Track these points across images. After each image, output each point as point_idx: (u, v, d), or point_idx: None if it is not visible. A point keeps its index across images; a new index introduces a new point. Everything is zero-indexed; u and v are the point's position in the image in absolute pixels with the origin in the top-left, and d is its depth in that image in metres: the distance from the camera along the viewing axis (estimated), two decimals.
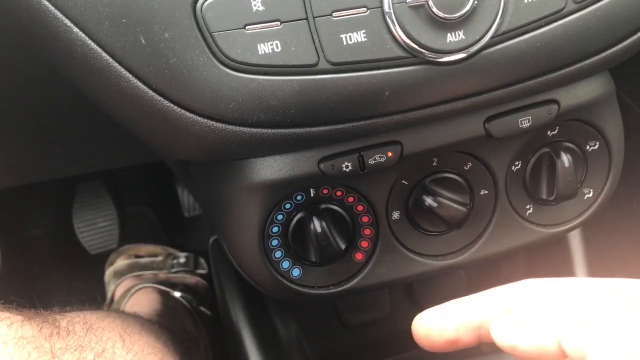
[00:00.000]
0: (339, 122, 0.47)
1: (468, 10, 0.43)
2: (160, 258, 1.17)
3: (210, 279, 1.12)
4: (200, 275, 1.14)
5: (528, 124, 0.52)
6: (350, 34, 0.43)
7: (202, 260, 1.18)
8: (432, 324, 0.34)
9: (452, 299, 0.35)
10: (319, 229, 0.52)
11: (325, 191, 0.54)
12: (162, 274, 1.11)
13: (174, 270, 1.13)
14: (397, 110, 0.47)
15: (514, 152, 0.56)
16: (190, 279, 1.11)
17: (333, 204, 0.55)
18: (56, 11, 0.43)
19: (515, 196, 0.59)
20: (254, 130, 0.46)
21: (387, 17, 0.43)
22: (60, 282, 1.25)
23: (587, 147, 0.58)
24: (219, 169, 0.53)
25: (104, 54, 0.43)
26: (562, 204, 0.60)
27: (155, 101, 0.44)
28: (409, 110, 0.48)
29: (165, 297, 1.02)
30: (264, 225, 0.53)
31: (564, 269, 0.80)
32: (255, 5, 0.42)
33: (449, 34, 0.44)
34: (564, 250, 0.80)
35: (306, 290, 0.57)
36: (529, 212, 0.60)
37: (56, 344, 0.51)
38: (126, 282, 1.09)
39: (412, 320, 0.35)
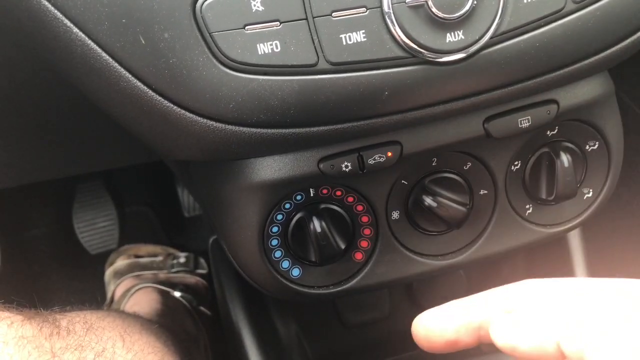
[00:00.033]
0: (338, 122, 0.47)
1: (467, 11, 0.43)
2: (160, 258, 1.17)
3: (210, 279, 1.12)
4: (200, 275, 1.14)
5: (527, 124, 0.52)
6: (350, 34, 0.43)
7: (202, 260, 1.18)
8: (432, 325, 0.34)
9: (452, 299, 0.35)
10: (318, 229, 0.52)
11: (324, 191, 0.54)
12: (162, 274, 1.11)
13: (174, 270, 1.13)
14: (396, 110, 0.47)
15: (514, 152, 0.56)
16: (190, 279, 1.11)
17: (333, 204, 0.55)
18: (56, 11, 0.43)
19: (515, 196, 0.59)
20: (253, 130, 0.46)
21: (386, 17, 0.43)
22: (60, 282, 1.25)
23: (587, 147, 0.58)
24: (219, 169, 0.53)
25: (103, 54, 0.43)
26: (561, 204, 0.60)
27: (155, 101, 0.44)
28: (408, 110, 0.48)
29: (165, 297, 1.02)
30: (263, 225, 0.53)
31: (564, 269, 0.79)
32: (254, 5, 0.42)
33: (448, 34, 0.44)
34: (564, 250, 0.80)
35: (306, 290, 0.57)
36: (528, 212, 0.60)
37: (56, 343, 0.51)
38: (126, 282, 1.09)
39: (412, 320, 0.35)
